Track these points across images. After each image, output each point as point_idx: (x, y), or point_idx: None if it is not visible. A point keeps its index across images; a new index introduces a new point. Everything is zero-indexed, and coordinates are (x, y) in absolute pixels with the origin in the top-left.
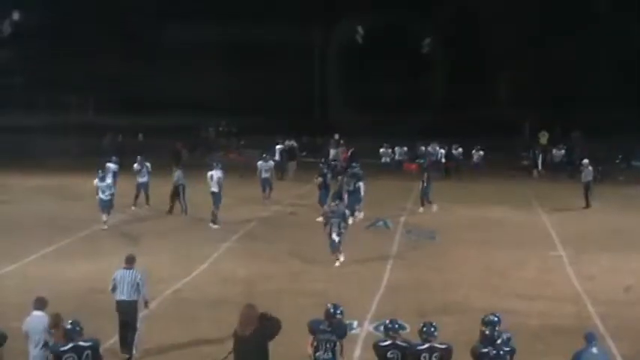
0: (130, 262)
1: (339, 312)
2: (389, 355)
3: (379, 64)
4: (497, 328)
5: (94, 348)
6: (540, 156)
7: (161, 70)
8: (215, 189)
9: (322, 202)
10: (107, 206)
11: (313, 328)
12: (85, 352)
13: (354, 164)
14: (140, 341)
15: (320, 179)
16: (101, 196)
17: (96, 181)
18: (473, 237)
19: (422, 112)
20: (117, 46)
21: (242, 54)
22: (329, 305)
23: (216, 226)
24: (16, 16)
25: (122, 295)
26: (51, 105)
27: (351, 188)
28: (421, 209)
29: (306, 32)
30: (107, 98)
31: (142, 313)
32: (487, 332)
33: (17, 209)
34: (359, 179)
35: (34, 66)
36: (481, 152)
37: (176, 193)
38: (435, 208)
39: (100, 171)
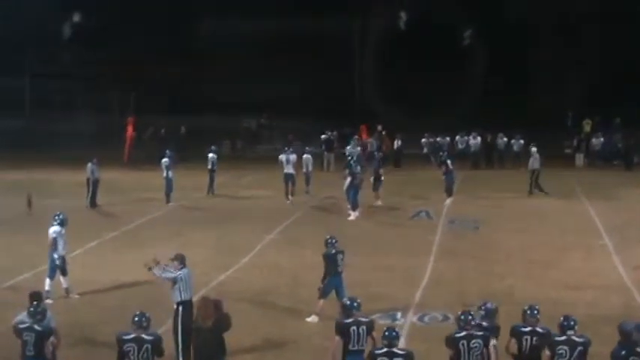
0: (183, 261)
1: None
2: (351, 330)
3: (419, 52)
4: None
5: (155, 343)
6: (584, 144)
7: (203, 67)
8: (292, 170)
9: (353, 201)
10: (61, 268)
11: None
12: (145, 346)
13: None
14: None
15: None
16: (60, 252)
17: (57, 229)
18: (517, 226)
19: (462, 102)
20: (159, 47)
21: (281, 44)
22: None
23: (290, 200)
24: (76, 17)
25: (187, 295)
26: (109, 109)
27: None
28: (448, 200)
29: (345, 20)
30: (152, 101)
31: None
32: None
33: (61, 206)
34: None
35: (92, 69)
36: (521, 141)
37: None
38: (448, 201)
39: (58, 214)
